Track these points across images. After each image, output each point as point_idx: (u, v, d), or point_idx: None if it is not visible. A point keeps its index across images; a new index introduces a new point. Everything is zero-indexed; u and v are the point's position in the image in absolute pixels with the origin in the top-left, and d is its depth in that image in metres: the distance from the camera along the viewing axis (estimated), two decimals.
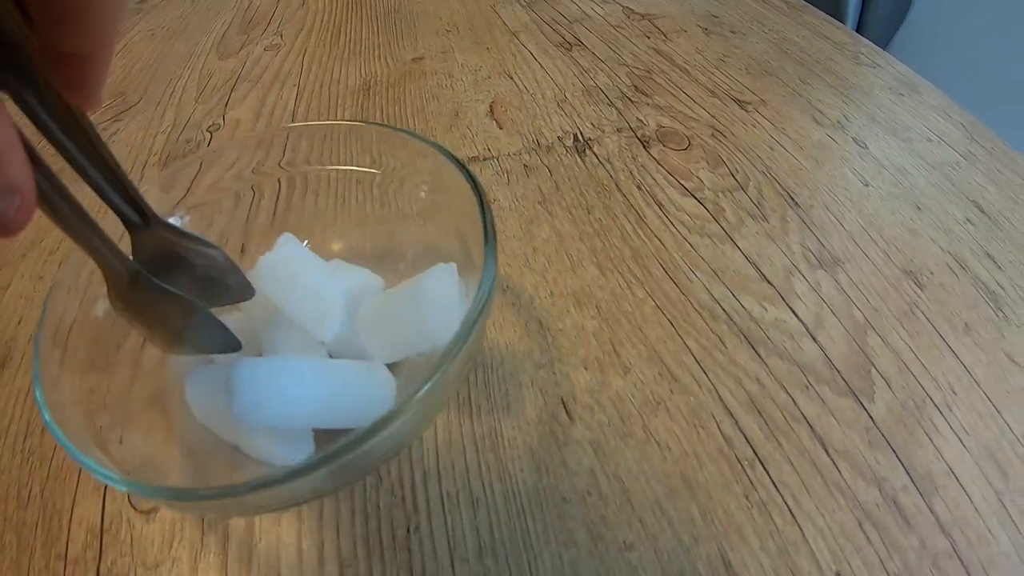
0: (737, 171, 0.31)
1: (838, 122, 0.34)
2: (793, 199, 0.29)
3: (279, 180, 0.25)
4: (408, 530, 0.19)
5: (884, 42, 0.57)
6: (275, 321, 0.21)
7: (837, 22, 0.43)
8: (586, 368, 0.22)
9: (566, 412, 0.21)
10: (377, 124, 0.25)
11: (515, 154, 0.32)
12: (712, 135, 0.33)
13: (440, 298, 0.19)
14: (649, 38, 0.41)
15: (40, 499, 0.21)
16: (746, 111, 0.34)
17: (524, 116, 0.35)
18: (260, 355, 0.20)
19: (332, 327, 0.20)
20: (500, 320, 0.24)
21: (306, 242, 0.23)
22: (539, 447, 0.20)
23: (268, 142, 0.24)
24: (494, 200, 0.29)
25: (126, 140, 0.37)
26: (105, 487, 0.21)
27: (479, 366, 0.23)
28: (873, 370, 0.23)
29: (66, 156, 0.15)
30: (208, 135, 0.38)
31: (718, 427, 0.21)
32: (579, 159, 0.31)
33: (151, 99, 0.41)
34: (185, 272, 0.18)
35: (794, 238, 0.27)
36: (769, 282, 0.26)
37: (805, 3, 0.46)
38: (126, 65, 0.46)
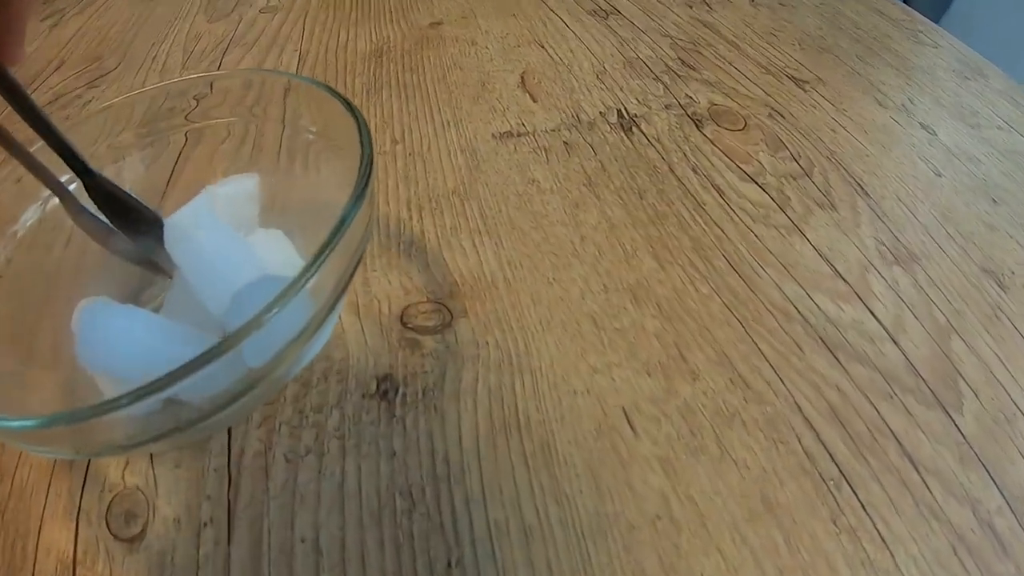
0: (800, 155, 0.28)
1: (903, 105, 0.31)
2: (862, 188, 0.26)
3: (185, 134, 0.25)
4: (449, 563, 0.16)
5: (936, 17, 0.54)
6: (177, 283, 0.21)
7: None
8: (649, 374, 0.20)
9: (629, 424, 0.19)
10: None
11: (553, 130, 0.29)
12: (769, 115, 0.30)
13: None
14: (692, 8, 0.38)
15: (0, 520, 0.18)
16: (803, 90, 0.31)
17: (560, 89, 0.31)
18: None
19: (221, 302, 0.19)
20: (548, 316, 0.21)
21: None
22: (599, 465, 0.18)
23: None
24: (532, 181, 0.26)
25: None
26: (79, 509, 0.18)
27: (527, 371, 0.20)
28: (960, 379, 0.21)
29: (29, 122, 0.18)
30: (194, 103, 0.34)
31: (799, 442, 0.19)
32: (625, 137, 0.28)
33: (131, 64, 0.37)
34: (136, 218, 0.20)
35: (866, 231, 0.25)
36: (844, 279, 0.23)
37: None
38: (101, 28, 0.42)
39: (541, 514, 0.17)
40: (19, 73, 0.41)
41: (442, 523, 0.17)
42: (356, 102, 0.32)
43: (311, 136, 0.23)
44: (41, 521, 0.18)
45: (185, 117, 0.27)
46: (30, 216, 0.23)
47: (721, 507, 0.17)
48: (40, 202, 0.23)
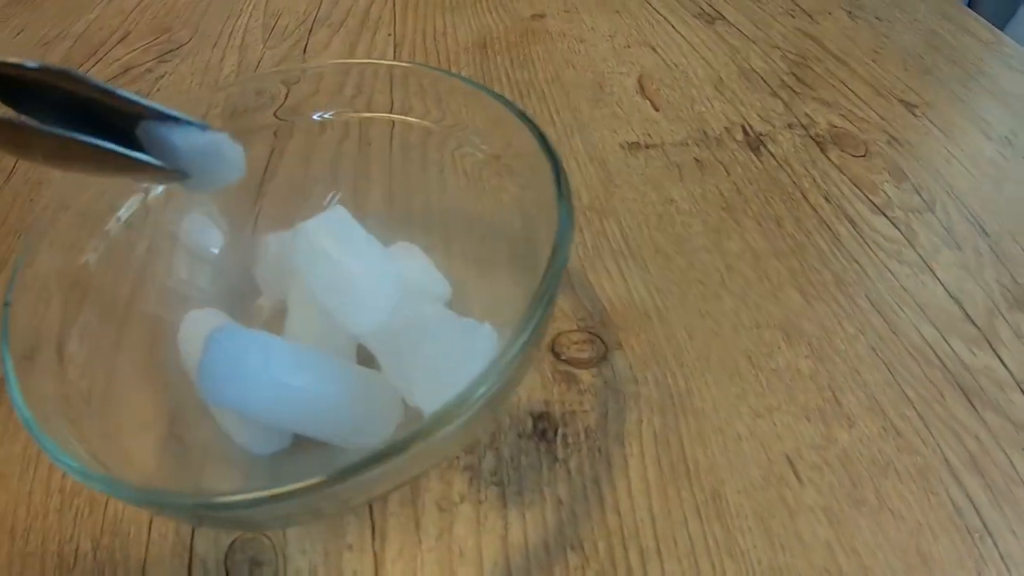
0: (922, 188, 0.27)
1: (1005, 137, 0.31)
2: (982, 227, 0.26)
3: (275, 132, 0.23)
4: None
5: (1001, 22, 0.53)
6: (301, 301, 0.19)
7: (973, 13, 0.40)
8: (808, 419, 0.20)
9: (794, 472, 0.19)
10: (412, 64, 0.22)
11: (681, 144, 0.27)
12: (888, 142, 0.29)
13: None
14: (794, 17, 0.37)
15: (92, 559, 0.16)
16: (915, 116, 0.31)
17: (681, 97, 0.30)
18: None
19: (366, 320, 0.17)
20: (705, 352, 0.21)
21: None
22: (769, 515, 0.18)
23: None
24: (670, 200, 0.25)
25: (177, 85, 0.30)
26: (191, 553, 0.16)
27: (690, 412, 0.19)
28: None
29: None
30: (284, 88, 0.31)
31: (947, 492, 0.19)
32: (755, 157, 0.27)
33: (205, 39, 0.34)
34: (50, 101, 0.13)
35: (990, 273, 0.25)
36: (974, 323, 0.23)
37: None
38: None
39: (717, 569, 0.17)
40: (79, 43, 0.36)
41: None
42: None
43: (472, 144, 0.21)
44: (144, 566, 0.16)
45: (275, 114, 0.23)
46: (126, 211, 0.20)
47: (883, 560, 0.17)
48: (140, 193, 0.21)
